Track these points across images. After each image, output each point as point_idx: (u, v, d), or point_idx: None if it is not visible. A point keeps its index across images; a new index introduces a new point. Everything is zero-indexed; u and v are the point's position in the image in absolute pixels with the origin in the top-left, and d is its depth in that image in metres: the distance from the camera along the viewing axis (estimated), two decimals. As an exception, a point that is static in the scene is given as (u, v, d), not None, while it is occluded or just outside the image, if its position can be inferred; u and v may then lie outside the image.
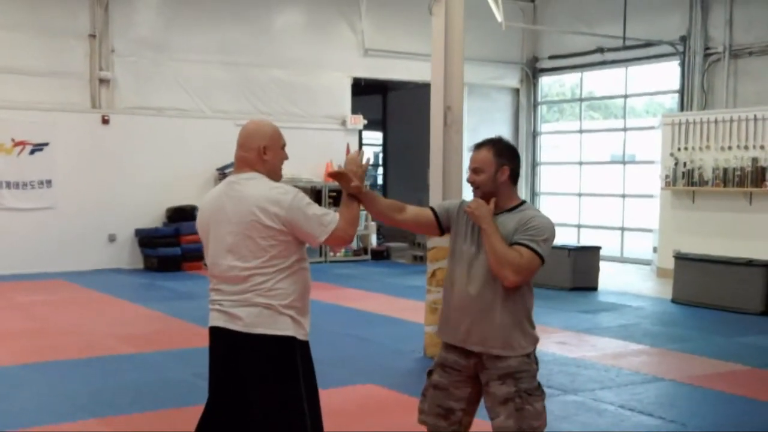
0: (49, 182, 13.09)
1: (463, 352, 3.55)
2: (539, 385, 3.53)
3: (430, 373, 3.68)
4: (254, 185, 3.42)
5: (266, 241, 3.35)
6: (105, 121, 13.50)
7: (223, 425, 3.47)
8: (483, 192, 3.55)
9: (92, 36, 13.41)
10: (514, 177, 3.59)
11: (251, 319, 3.34)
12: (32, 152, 12.96)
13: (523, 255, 3.39)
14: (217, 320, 3.43)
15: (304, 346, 3.47)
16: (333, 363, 6.79)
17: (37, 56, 13.01)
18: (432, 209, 3.74)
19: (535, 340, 3.56)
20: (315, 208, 3.42)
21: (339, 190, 15.18)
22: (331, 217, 3.42)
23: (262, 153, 3.46)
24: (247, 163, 3.48)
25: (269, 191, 3.39)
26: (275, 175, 3.53)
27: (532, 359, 3.53)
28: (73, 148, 13.24)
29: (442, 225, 3.69)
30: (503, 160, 3.53)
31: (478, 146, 3.61)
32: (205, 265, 3.57)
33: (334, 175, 3.53)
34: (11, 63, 12.80)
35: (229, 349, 3.41)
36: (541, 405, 3.49)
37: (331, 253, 14.97)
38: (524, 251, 3.39)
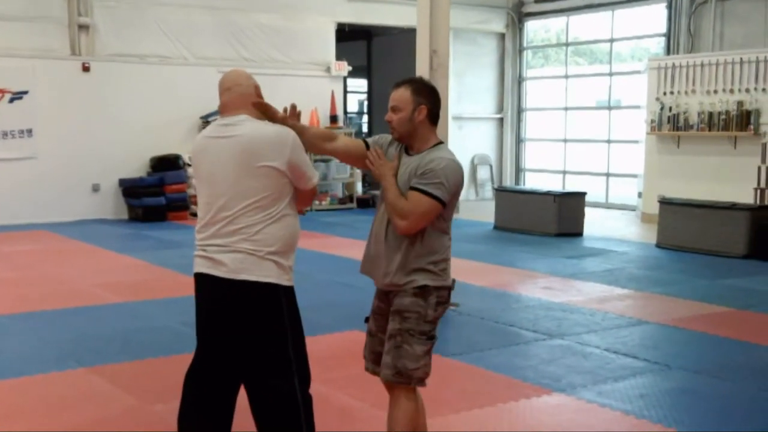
0: (29, 131, 12.91)
1: (381, 295, 3.59)
2: (428, 332, 3.48)
3: (367, 320, 3.71)
4: (251, 125, 3.39)
5: (261, 181, 3.32)
6: (85, 69, 13.28)
7: (211, 372, 3.48)
8: (399, 132, 3.53)
9: (70, -20, 13.13)
10: (433, 117, 3.54)
11: (235, 265, 3.31)
12: (11, 101, 12.75)
13: (411, 198, 3.39)
14: (202, 266, 3.41)
15: (288, 291, 3.46)
16: (319, 309, 6.82)
17: (14, 1, 12.73)
18: (365, 141, 3.69)
19: (439, 281, 3.47)
20: (306, 155, 3.47)
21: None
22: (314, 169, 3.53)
23: (259, 92, 3.49)
24: (239, 104, 3.44)
25: (271, 131, 3.38)
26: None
27: (429, 304, 3.46)
28: (54, 96, 13.05)
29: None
30: (421, 99, 3.49)
31: (397, 85, 3.58)
32: (191, 215, 3.55)
33: (258, 104, 3.47)
34: (-13, 9, 12.54)
35: (213, 295, 3.40)
36: (421, 349, 3.45)
37: (317, 202, 14.93)
38: (413, 194, 3.39)
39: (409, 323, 3.45)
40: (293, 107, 3.58)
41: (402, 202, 3.40)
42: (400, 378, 3.48)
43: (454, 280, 3.62)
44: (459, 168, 3.47)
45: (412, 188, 3.40)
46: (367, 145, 3.64)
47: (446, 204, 3.42)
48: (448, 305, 3.57)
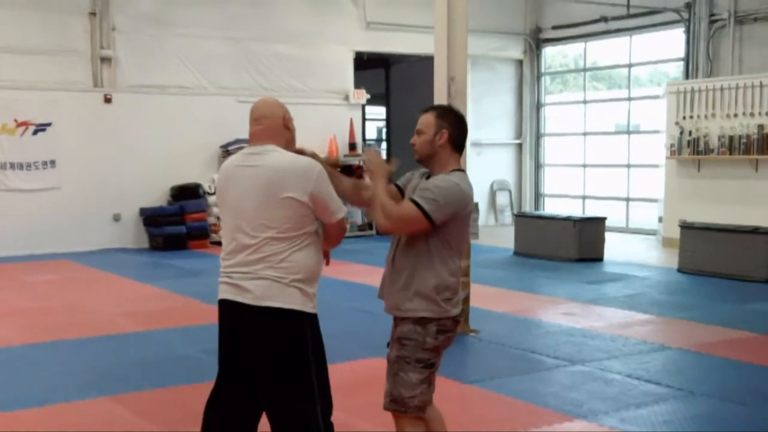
0: (53, 162, 13.08)
1: (393, 322, 3.60)
2: (426, 360, 3.46)
3: (388, 345, 3.73)
4: (277, 156, 3.43)
5: (285, 212, 3.35)
6: (107, 100, 13.45)
7: (233, 399, 3.49)
8: (420, 155, 3.60)
9: (92, 13, 13.32)
10: (455, 144, 3.59)
11: (260, 292, 3.34)
12: (35, 132, 12.93)
13: (401, 205, 3.46)
14: (226, 293, 3.44)
15: (312, 318, 3.48)
16: (340, 337, 6.82)
17: (37, 35, 12.95)
18: (396, 185, 3.75)
19: (442, 311, 3.46)
20: (333, 188, 3.49)
21: (343, 165, 15.27)
22: (342, 203, 3.54)
23: (288, 122, 3.54)
24: (267, 135, 3.49)
25: (295, 163, 3.42)
26: (293, 145, 3.58)
27: (428, 332, 3.45)
28: (76, 127, 13.21)
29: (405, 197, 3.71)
30: (444, 124, 3.56)
31: (425, 110, 3.67)
32: (212, 243, 3.59)
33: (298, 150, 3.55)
34: (11, 42, 12.73)
35: (237, 322, 3.42)
36: (417, 377, 3.44)
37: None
38: (405, 203, 3.46)
39: (406, 351, 3.47)
40: (333, 158, 3.63)
41: (388, 202, 3.46)
42: (396, 406, 3.48)
43: (462, 310, 3.58)
44: (461, 192, 3.46)
45: (409, 199, 3.46)
46: (399, 187, 3.69)
47: (435, 222, 3.39)
48: (452, 334, 3.54)
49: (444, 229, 3.46)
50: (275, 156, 3.42)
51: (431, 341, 3.46)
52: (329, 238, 3.55)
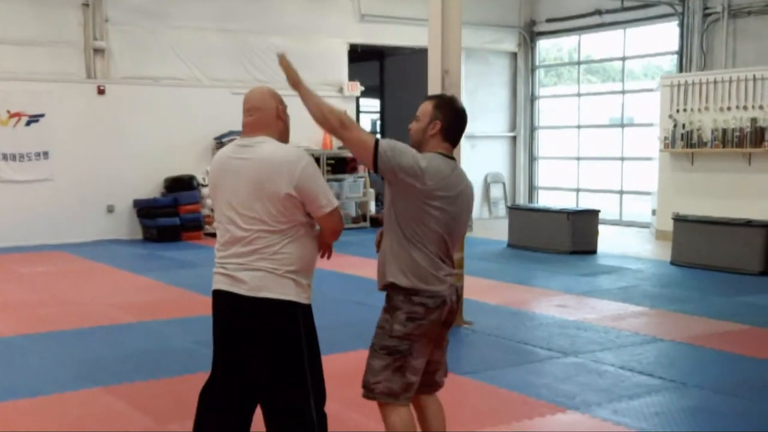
0: (46, 154, 13.04)
1: None
2: (392, 347, 3.48)
3: None
4: (266, 148, 3.43)
5: (275, 205, 3.35)
6: (101, 92, 13.42)
7: (227, 389, 3.50)
8: (413, 141, 3.64)
9: (86, 5, 13.29)
10: (446, 136, 3.61)
11: (255, 283, 3.35)
12: (28, 123, 12.89)
13: (365, 131, 3.53)
14: (221, 283, 3.44)
15: (306, 309, 3.49)
16: (334, 329, 6.83)
17: (30, 26, 12.91)
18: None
19: (409, 282, 3.46)
20: (324, 181, 3.48)
21: (337, 157, 15.32)
22: (334, 197, 3.48)
23: (281, 113, 3.52)
24: (259, 126, 3.48)
25: (283, 155, 3.41)
26: (287, 136, 3.58)
27: (395, 319, 3.48)
28: (70, 119, 13.18)
29: None
30: (439, 115, 3.59)
31: (426, 98, 3.73)
32: (205, 234, 3.59)
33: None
34: (5, 33, 12.69)
35: (232, 312, 3.43)
36: (379, 364, 3.51)
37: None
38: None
39: (375, 338, 3.57)
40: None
41: (351, 120, 3.53)
42: (365, 392, 3.57)
43: (443, 299, 3.54)
44: (413, 158, 3.44)
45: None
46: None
47: (378, 163, 3.38)
48: (425, 322, 3.50)
49: (402, 211, 3.47)
50: (265, 148, 3.42)
51: (399, 328, 3.49)
52: (323, 232, 3.54)
